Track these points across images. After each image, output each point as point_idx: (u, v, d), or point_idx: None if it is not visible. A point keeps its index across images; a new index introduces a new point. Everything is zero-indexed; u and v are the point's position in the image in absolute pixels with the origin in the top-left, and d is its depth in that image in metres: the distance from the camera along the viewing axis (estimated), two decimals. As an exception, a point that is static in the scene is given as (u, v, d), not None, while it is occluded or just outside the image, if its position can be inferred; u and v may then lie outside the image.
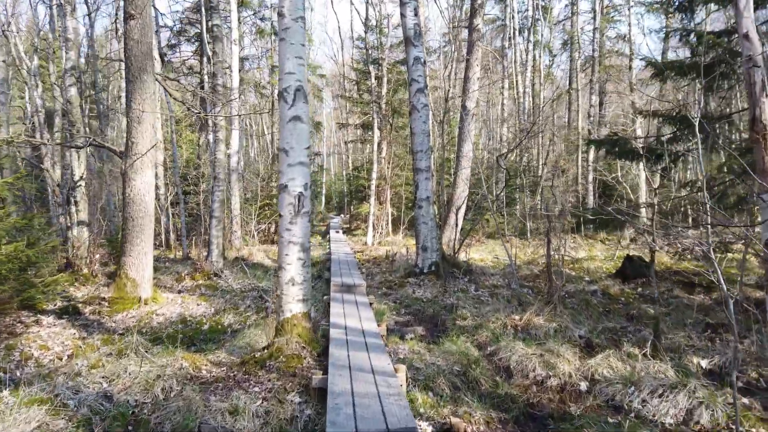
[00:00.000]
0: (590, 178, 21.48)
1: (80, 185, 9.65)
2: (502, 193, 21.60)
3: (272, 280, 10.39)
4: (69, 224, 9.78)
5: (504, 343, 5.72)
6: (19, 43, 18.63)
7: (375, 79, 21.38)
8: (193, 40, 22.94)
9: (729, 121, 8.03)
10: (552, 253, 7.71)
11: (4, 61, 16.75)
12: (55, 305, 7.85)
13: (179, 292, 9.26)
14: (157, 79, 8.11)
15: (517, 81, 23.91)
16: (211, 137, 11.81)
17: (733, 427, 3.70)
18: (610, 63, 24.58)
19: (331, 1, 42.86)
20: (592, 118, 21.96)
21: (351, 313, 6.53)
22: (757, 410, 4.23)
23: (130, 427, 3.97)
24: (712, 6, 8.41)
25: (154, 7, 15.52)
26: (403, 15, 9.94)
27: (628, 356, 5.32)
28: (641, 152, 7.07)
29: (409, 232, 20.68)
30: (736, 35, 6.59)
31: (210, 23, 11.02)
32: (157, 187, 16.88)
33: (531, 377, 5.03)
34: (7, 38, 16.01)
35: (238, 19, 20.69)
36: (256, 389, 4.40)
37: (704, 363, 5.28)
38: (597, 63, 22.07)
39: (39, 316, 7.21)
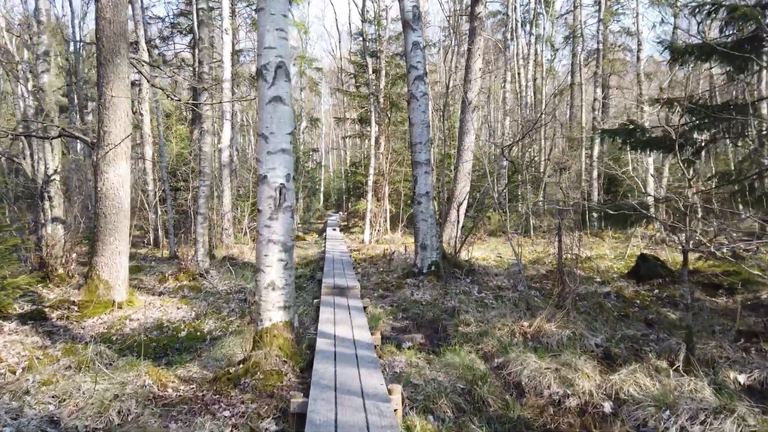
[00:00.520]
0: (595, 173, 20.85)
1: (54, 179, 8.99)
2: (505, 189, 20.97)
3: (261, 281, 9.74)
4: (43, 221, 9.12)
5: (514, 355, 5.07)
6: (5, 35, 17.93)
7: (373, 72, 20.70)
8: (185, 32, 22.27)
9: (754, 108, 7.37)
10: (562, 252, 7.05)
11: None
12: (22, 309, 7.21)
13: (160, 294, 8.61)
14: (132, 63, 7.44)
15: (519, 74, 23.21)
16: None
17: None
18: (613, 57, 23.96)
19: (329, -5, 42.06)
20: (596, 112, 21.30)
21: (342, 319, 5.88)
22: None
23: (69, 464, 3.32)
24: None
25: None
26: (400, -3, 9.28)
27: (656, 371, 4.67)
28: (667, 142, 6.41)
29: (408, 229, 20.03)
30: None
31: (196, 6, 10.34)
32: (145, 183, 16.25)
33: (546, 396, 4.38)
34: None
35: (232, 10, 20.01)
36: (226, 413, 3.75)
37: (742, 378, 4.63)
38: (601, 55, 21.40)
39: (0, 321, 6.56)
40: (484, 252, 13.46)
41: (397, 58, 23.33)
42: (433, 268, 9.23)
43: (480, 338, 5.95)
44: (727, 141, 7.24)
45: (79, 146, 21.80)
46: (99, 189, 7.12)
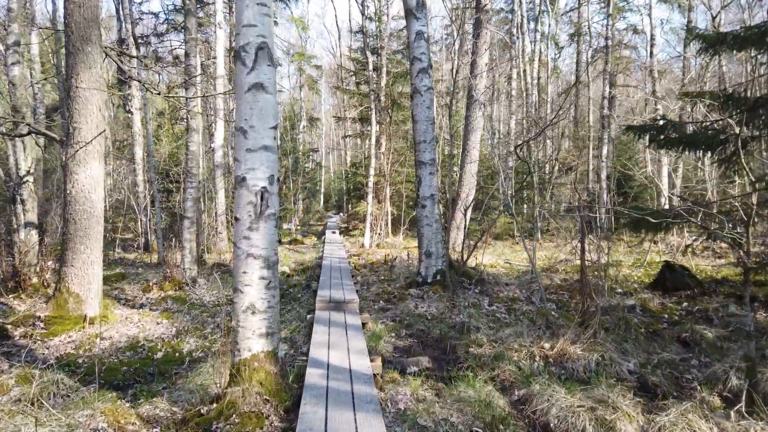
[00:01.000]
0: (603, 175, 20.11)
1: (27, 181, 8.26)
2: (512, 190, 20.22)
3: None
4: (15, 226, 8.40)
5: (538, 387, 4.33)
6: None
7: (374, 70, 19.97)
8: (180, 29, 21.57)
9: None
10: (585, 262, 6.31)
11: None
12: (-15, 324, 6.48)
13: (141, 306, 7.88)
14: (106, 52, 6.72)
15: (525, 71, 22.47)
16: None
17: None
18: (620, 55, 23.23)
19: (330, -7, 41.29)
20: (605, 110, 20.55)
21: (338, 342, 5.14)
22: None
23: None
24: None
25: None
26: (403, -17, 8.56)
27: (710, 409, 3.92)
28: (703, 139, 5.66)
29: (410, 232, 19.30)
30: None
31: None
32: (135, 185, 15.55)
33: (581, 443, 3.64)
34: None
35: (229, 6, 19.30)
36: (190, 473, 3.02)
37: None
38: (610, 51, 20.65)
39: (-46, 341, 5.84)
40: (490, 257, 12.72)
41: (398, 56, 22.61)
42: (438, 277, 8.49)
43: (495, 362, 5.21)
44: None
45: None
46: (68, 192, 6.39)
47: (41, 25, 10.21)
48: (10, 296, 8.01)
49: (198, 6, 17.83)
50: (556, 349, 5.29)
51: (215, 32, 14.68)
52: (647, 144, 6.60)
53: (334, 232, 19.82)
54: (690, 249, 10.35)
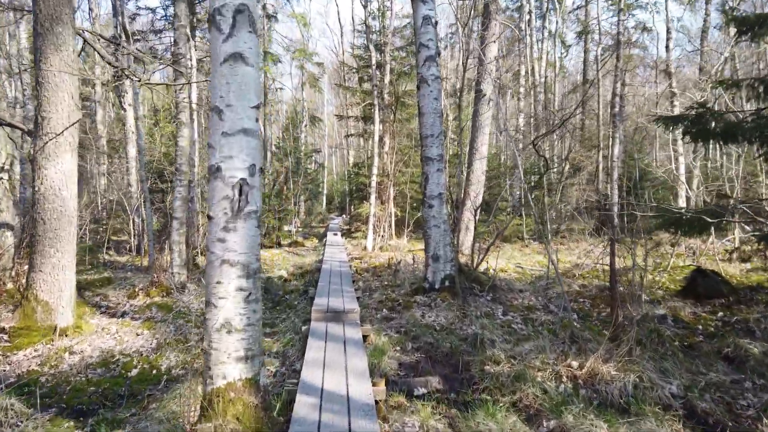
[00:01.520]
0: (615, 175, 19.40)
1: (1, 178, 7.64)
2: (522, 191, 19.51)
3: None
4: (-11, 227, 7.77)
5: (571, 419, 3.64)
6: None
7: (377, 67, 19.32)
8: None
9: None
10: (615, 268, 5.61)
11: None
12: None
13: (122, 314, 7.22)
14: (79, 33, 6.08)
15: (533, 68, 21.81)
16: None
17: None
18: (629, 53, 22.56)
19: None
20: (617, 109, 19.84)
21: (335, 360, 4.46)
22: None
23: None
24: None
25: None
26: (409, -35, 7.92)
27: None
28: (750, 129, 4.98)
29: (415, 234, 18.60)
30: None
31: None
32: (129, 184, 14.93)
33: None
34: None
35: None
36: None
37: None
38: (622, 47, 19.96)
39: None
40: (500, 261, 11.99)
41: (402, 53, 21.97)
42: (447, 283, 7.80)
43: (515, 383, 4.52)
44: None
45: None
46: (36, 189, 5.75)
47: (18, 5, 9.58)
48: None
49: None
50: (586, 369, 4.60)
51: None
52: (681, 136, 5.89)
53: (335, 234, 19.17)
54: (736, 252, 9.62)
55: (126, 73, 6.37)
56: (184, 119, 8.58)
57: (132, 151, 14.24)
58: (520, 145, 18.04)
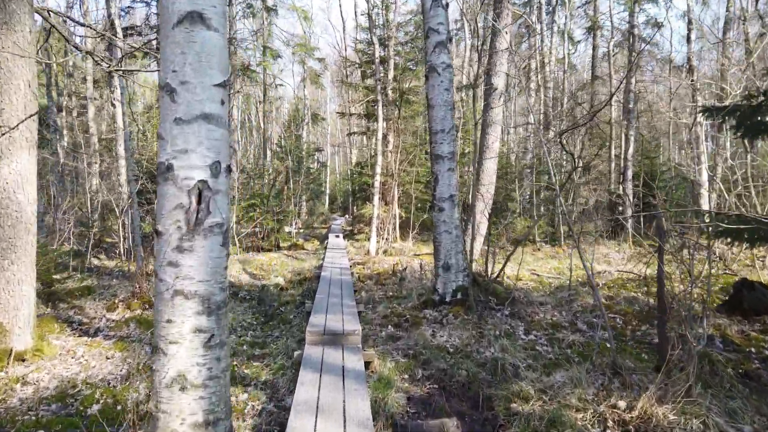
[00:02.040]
0: (629, 174, 18.56)
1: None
2: (529, 192, 18.68)
3: (235, 311, 7.56)
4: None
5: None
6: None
7: (381, 62, 18.51)
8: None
9: None
10: (663, 282, 4.77)
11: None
12: None
13: (95, 332, 6.43)
14: (39, 12, 5.29)
15: (544, 62, 20.99)
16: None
17: None
18: (639, 49, 21.73)
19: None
20: (631, 105, 18.99)
21: (330, 402, 3.65)
22: None
23: None
24: None
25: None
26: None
27: None
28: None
29: (420, 237, 17.79)
30: None
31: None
32: (119, 185, 14.15)
33: None
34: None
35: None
36: None
37: None
38: (636, 41, 19.10)
39: None
40: (513, 267, 11.15)
41: (406, 47, 21.16)
42: (459, 295, 6.99)
43: (551, 429, 3.72)
44: None
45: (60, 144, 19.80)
46: (-13, 191, 4.96)
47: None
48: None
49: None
50: (638, 411, 3.77)
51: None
52: (736, 131, 5.06)
53: (337, 236, 18.38)
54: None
55: (95, 58, 5.58)
56: (168, 113, 7.77)
57: (121, 149, 13.46)
58: (548, 135, 17.15)
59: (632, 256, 12.38)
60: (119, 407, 4.43)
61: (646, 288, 8.46)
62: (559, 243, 15.80)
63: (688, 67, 14.16)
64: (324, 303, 6.65)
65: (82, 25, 5.87)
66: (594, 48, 24.48)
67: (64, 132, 22.76)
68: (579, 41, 29.94)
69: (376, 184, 14.88)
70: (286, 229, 19.04)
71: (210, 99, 2.37)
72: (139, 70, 7.09)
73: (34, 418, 4.18)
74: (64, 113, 24.66)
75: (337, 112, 27.36)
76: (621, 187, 19.15)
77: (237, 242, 14.42)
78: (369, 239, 15.11)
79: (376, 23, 19.79)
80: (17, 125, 4.94)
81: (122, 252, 13.41)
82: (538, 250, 14.95)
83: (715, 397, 4.03)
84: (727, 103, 6.49)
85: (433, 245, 7.36)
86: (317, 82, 25.91)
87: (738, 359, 5.32)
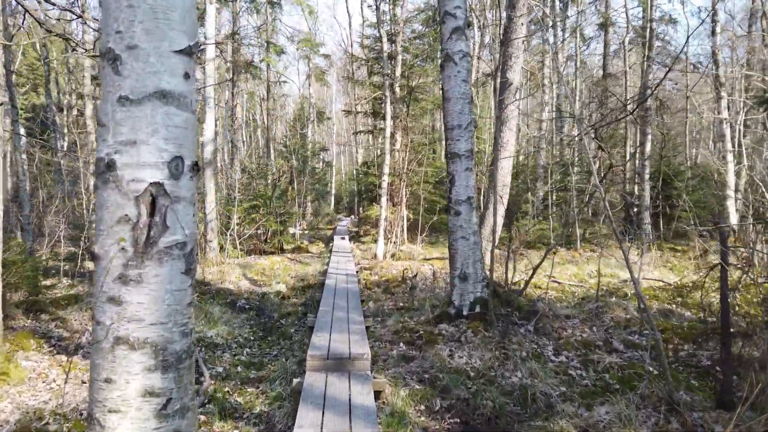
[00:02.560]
0: (646, 174, 17.78)
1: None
2: (548, 190, 17.99)
3: (231, 324, 6.92)
4: None
5: None
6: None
7: (389, 58, 17.82)
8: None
9: None
10: (727, 297, 4.08)
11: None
12: None
13: (75, 349, 5.81)
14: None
15: (557, 54, 20.28)
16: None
17: None
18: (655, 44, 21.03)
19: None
20: (648, 103, 18.21)
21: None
22: None
23: None
24: None
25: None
26: None
27: None
28: None
29: (429, 239, 17.11)
30: None
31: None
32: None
33: None
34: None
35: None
36: None
37: None
38: (654, 36, 18.34)
39: None
40: (527, 273, 10.45)
41: (415, 43, 20.50)
42: (478, 308, 6.31)
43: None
44: None
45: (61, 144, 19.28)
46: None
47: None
48: None
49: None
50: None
51: (205, 5, 12.70)
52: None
53: (343, 238, 17.74)
54: None
55: (80, 48, 4.95)
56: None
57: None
58: (578, 136, 16.46)
59: (654, 261, 11.66)
60: (88, 446, 3.77)
61: (680, 299, 7.76)
62: (575, 246, 15.08)
63: (713, 61, 13.37)
64: (328, 317, 5.99)
65: (53, 3, 5.23)
66: (605, 46, 23.80)
67: (65, 131, 22.29)
68: (591, 38, 29.20)
69: (384, 184, 14.21)
70: (291, 230, 18.42)
71: (169, 71, 1.72)
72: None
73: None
74: (64, 112, 24.19)
75: (343, 110, 26.74)
76: (637, 188, 18.41)
77: (238, 245, 13.80)
78: (376, 241, 14.45)
79: (384, 19, 19.16)
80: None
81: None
82: (554, 254, 14.21)
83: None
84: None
85: (449, 252, 6.68)
86: (322, 80, 25.26)
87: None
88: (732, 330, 4.12)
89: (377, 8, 15.09)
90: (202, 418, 4.02)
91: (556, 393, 4.51)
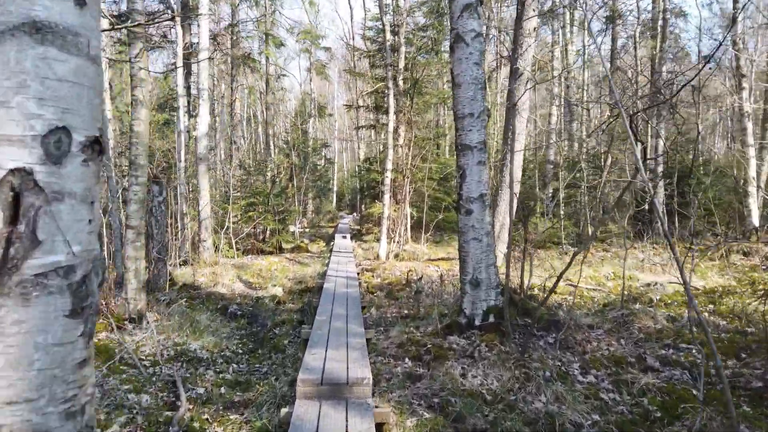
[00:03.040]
0: (660, 170, 17.09)
1: None
2: (561, 188, 17.31)
3: (219, 334, 6.28)
4: None
5: None
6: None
7: (392, 50, 17.15)
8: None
9: None
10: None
11: None
12: None
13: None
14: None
15: (567, 48, 19.62)
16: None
17: None
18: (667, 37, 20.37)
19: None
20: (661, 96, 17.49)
21: None
22: None
23: None
24: None
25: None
26: None
27: None
28: None
29: (433, 238, 16.47)
30: None
31: None
32: (108, 179, 12.99)
33: None
34: None
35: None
36: None
37: None
38: (668, 25, 17.64)
39: None
40: (540, 275, 9.77)
41: (420, 34, 19.80)
42: (492, 317, 5.67)
43: None
44: None
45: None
46: None
47: None
48: None
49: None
50: None
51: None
52: None
53: (344, 237, 17.11)
54: None
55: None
56: (141, 97, 6.53)
57: (110, 143, 12.31)
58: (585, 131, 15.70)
59: (671, 262, 10.97)
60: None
61: (711, 306, 7.10)
62: (587, 246, 14.40)
63: (734, 50, 12.66)
64: (325, 328, 5.35)
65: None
66: (613, 40, 23.19)
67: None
68: (599, 31, 28.49)
69: (387, 181, 13.56)
70: (291, 228, 17.80)
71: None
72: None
73: None
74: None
75: (345, 105, 26.05)
76: (650, 185, 17.74)
77: (234, 244, 13.19)
78: (378, 240, 13.82)
79: (386, 9, 18.47)
80: None
81: (106, 255, 12.22)
82: (565, 254, 13.56)
83: None
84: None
85: (459, 255, 6.04)
86: (323, 73, 24.59)
87: None
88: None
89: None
90: (173, 456, 3.38)
91: (588, 423, 3.87)
